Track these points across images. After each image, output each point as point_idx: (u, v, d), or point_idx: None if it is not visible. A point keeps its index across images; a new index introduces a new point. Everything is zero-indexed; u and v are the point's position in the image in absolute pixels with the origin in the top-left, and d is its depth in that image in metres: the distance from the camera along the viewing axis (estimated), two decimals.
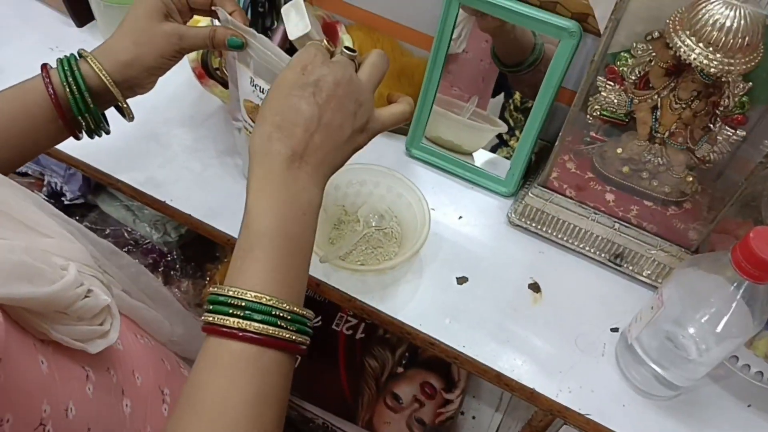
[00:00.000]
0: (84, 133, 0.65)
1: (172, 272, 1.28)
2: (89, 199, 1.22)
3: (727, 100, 0.66)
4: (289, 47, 0.88)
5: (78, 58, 0.62)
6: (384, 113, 0.58)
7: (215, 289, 0.46)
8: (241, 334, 0.44)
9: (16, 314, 0.41)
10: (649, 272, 0.78)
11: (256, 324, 0.44)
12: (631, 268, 0.78)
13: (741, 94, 0.65)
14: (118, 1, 0.92)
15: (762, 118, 0.67)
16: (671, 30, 0.62)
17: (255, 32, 0.64)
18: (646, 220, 0.77)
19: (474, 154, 0.92)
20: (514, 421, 1.09)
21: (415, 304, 0.74)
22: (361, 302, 0.74)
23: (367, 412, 1.10)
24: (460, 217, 0.84)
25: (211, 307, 0.45)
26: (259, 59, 0.64)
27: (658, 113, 0.70)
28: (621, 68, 0.69)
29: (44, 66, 0.61)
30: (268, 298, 0.45)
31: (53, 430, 0.42)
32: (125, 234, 1.25)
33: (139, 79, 0.63)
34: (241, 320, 0.44)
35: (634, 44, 0.67)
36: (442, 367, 1.13)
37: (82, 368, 0.48)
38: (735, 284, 0.57)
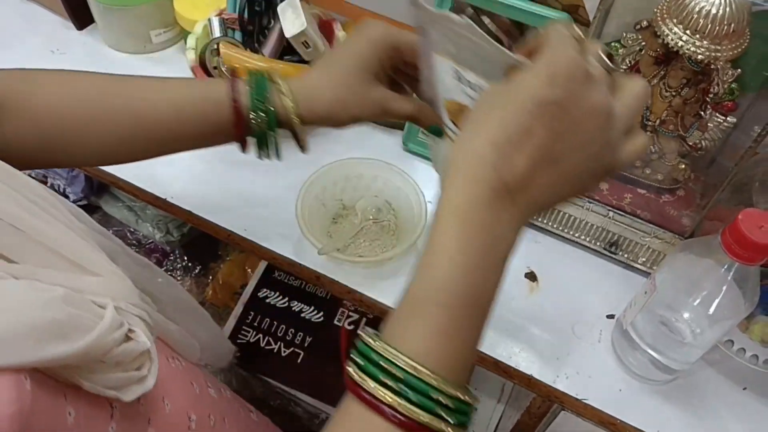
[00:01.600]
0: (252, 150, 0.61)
1: (174, 271, 1.29)
2: (92, 200, 1.24)
3: (716, 87, 0.67)
4: (286, 45, 0.89)
5: (270, 83, 0.56)
6: (625, 154, 0.41)
7: (368, 337, 0.38)
8: (390, 413, 0.35)
9: (45, 368, 0.38)
10: (644, 259, 0.78)
11: (410, 406, 0.35)
12: (626, 255, 0.79)
13: (730, 81, 0.66)
14: (117, 4, 0.93)
15: (752, 104, 0.68)
16: (659, 18, 0.63)
17: (462, 18, 0.45)
18: (639, 208, 0.78)
19: None
20: (515, 412, 1.09)
21: None
22: (360, 294, 0.75)
23: None
24: None
25: (360, 361, 0.37)
26: (468, 47, 0.47)
27: (649, 102, 0.71)
28: None
29: (231, 80, 0.57)
30: (430, 374, 0.36)
31: None
32: (128, 234, 1.27)
33: (328, 127, 0.60)
34: (393, 395, 0.35)
35: (624, 34, 0.68)
36: None
37: (109, 406, 0.45)
38: (725, 266, 0.58)
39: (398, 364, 0.36)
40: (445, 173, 0.39)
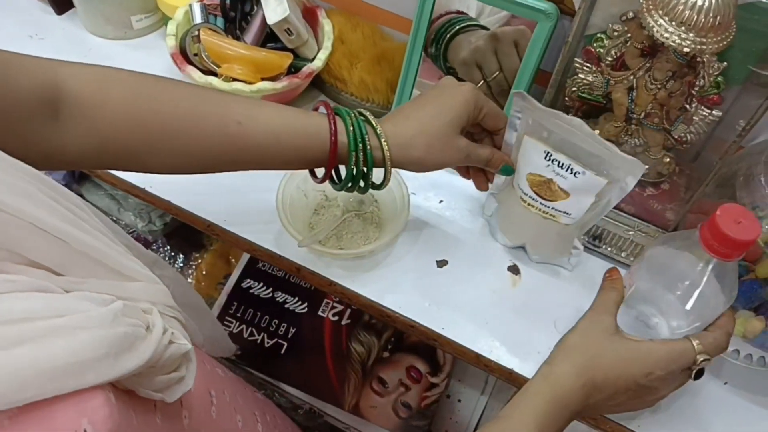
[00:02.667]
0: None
1: None
2: (74, 188, 1.22)
3: (702, 80, 0.66)
4: (269, 32, 0.88)
5: (367, 124, 0.62)
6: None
7: None
8: None
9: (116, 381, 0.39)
10: (626, 253, 0.78)
11: None
12: (609, 249, 0.79)
13: (716, 74, 0.66)
14: None
15: (737, 98, 0.68)
16: (645, 10, 0.62)
17: (563, 114, 0.64)
18: (623, 202, 0.77)
19: None
20: (499, 404, 1.10)
21: (396, 287, 0.75)
22: (341, 286, 0.75)
23: (353, 397, 1.10)
24: (441, 201, 0.84)
25: None
26: (564, 136, 0.66)
27: (634, 94, 0.70)
28: (597, 49, 0.69)
29: (332, 118, 0.61)
30: None
31: None
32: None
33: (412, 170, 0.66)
34: None
35: (610, 25, 0.68)
36: (427, 352, 1.14)
37: (152, 400, 0.46)
38: (704, 262, 0.57)
39: None
40: (561, 357, 0.59)
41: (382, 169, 0.64)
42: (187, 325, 0.65)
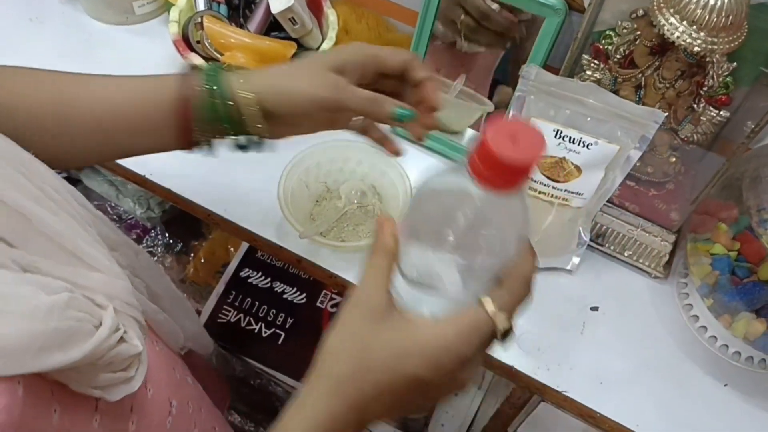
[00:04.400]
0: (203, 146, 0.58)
1: (156, 248, 1.27)
2: (72, 173, 1.21)
3: (711, 81, 0.66)
4: (273, 21, 0.87)
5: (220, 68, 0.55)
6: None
7: None
8: None
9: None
10: (630, 252, 0.78)
11: None
12: (612, 248, 0.78)
13: (725, 74, 0.65)
14: None
15: (746, 99, 0.67)
16: (655, 8, 0.61)
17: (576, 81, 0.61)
18: (628, 200, 0.77)
19: (461, 133, 0.92)
20: (495, 398, 1.09)
21: None
22: (342, 279, 0.74)
23: None
24: None
25: None
26: (572, 108, 0.64)
27: (642, 92, 0.70)
28: (606, 47, 0.69)
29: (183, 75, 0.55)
30: None
31: None
32: (108, 209, 1.24)
33: (284, 119, 0.55)
34: None
35: (619, 22, 0.67)
36: None
37: (94, 399, 0.45)
38: (478, 196, 0.40)
39: None
40: (313, 379, 0.44)
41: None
42: (166, 328, 0.64)
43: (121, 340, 0.44)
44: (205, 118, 0.54)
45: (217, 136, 0.56)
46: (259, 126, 0.55)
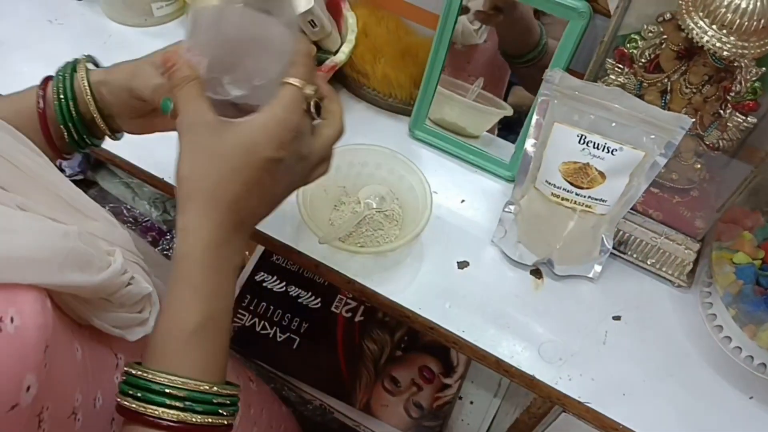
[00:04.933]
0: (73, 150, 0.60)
1: (170, 251, 1.27)
2: (89, 175, 1.22)
3: (738, 86, 0.64)
4: None
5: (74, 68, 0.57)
6: (312, 177, 0.54)
7: (142, 371, 0.42)
8: (179, 427, 0.41)
9: (60, 299, 0.40)
10: (653, 260, 0.76)
11: (197, 416, 0.42)
12: (635, 255, 0.77)
13: (753, 79, 0.63)
14: None
15: None
16: (684, 11, 0.60)
17: (601, 85, 0.63)
18: (651, 207, 0.76)
19: (478, 137, 0.91)
20: (512, 407, 1.08)
21: (415, 287, 0.73)
22: (360, 284, 0.73)
23: (364, 395, 1.09)
24: (463, 201, 0.82)
25: (138, 393, 0.42)
26: (597, 113, 0.65)
27: (668, 97, 0.68)
28: (631, 51, 0.67)
29: (46, 80, 0.57)
30: (209, 386, 0.43)
31: (83, 420, 0.41)
32: (124, 211, 1.25)
33: (115, 109, 0.57)
34: (179, 412, 0.41)
35: (645, 26, 0.66)
36: (441, 352, 1.13)
37: (114, 355, 0.47)
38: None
39: (182, 386, 0.42)
40: (183, 205, 0.46)
41: None
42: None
43: (130, 283, 0.46)
44: (58, 120, 0.55)
45: (71, 139, 0.57)
46: (98, 121, 0.57)
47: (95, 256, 0.42)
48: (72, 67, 0.57)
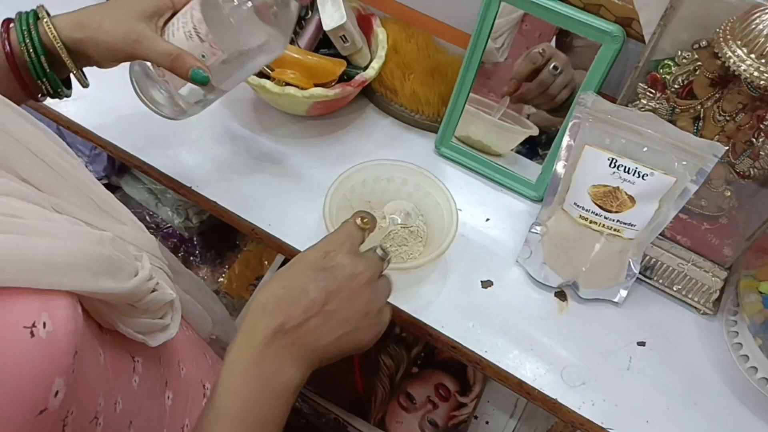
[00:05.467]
0: (45, 96, 0.62)
1: (191, 258, 1.28)
2: (113, 180, 1.23)
3: None
4: (323, 38, 0.87)
5: (36, 17, 0.58)
6: (385, 317, 0.54)
7: None
8: None
9: (89, 304, 0.40)
10: (679, 287, 0.76)
11: None
12: (660, 281, 0.76)
13: None
14: None
15: None
16: (721, 39, 0.60)
17: (634, 110, 0.66)
18: (679, 233, 0.75)
19: (503, 156, 0.91)
20: (528, 429, 1.07)
21: (438, 305, 0.73)
22: None
23: (379, 410, 1.09)
24: (488, 219, 0.82)
25: None
26: (628, 137, 0.66)
27: (700, 124, 0.68)
28: (664, 76, 0.67)
29: (5, 22, 0.59)
30: None
31: (104, 424, 0.41)
32: (147, 217, 1.25)
33: (94, 59, 0.61)
34: None
35: (679, 52, 0.66)
36: (457, 370, 1.12)
37: (131, 359, 0.48)
38: None
39: None
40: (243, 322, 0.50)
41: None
42: (194, 312, 0.67)
43: (155, 289, 0.47)
44: (27, 65, 0.58)
45: (42, 80, 0.59)
46: (68, 63, 0.59)
47: (125, 261, 0.43)
48: (34, 17, 0.58)
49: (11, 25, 0.58)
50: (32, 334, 0.33)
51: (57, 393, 0.34)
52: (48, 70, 0.59)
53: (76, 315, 0.36)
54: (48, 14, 0.59)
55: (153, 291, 0.46)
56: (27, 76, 0.59)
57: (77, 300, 0.37)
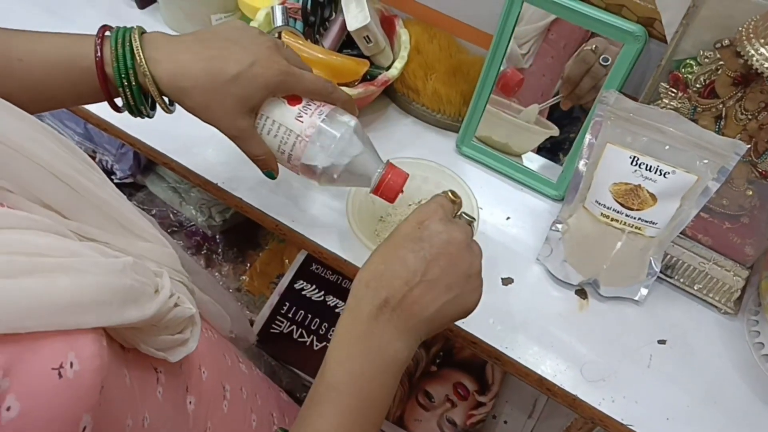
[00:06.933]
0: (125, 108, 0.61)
1: (214, 256, 1.30)
2: (138, 179, 1.25)
3: None
4: (347, 38, 0.88)
5: (133, 58, 0.56)
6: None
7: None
8: None
9: (111, 330, 0.40)
10: (700, 286, 0.76)
11: None
12: (681, 280, 0.77)
13: None
14: None
15: None
16: (744, 38, 0.60)
17: (656, 108, 0.67)
18: (700, 232, 0.76)
19: (523, 156, 0.91)
20: (547, 429, 1.07)
21: None
22: None
23: (398, 409, 1.10)
24: (508, 218, 0.83)
25: None
26: (650, 136, 0.66)
27: (722, 123, 0.68)
28: (686, 75, 0.68)
29: (101, 32, 0.57)
30: None
31: None
32: (171, 215, 1.27)
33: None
34: None
35: (701, 52, 0.66)
36: (476, 369, 1.12)
37: (154, 371, 0.48)
38: None
39: None
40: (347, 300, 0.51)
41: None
42: (213, 311, 0.67)
43: (176, 304, 0.47)
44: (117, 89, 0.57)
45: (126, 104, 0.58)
46: (157, 99, 0.58)
47: (147, 284, 0.42)
48: (131, 56, 0.56)
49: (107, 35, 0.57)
50: (60, 375, 0.33)
51: (84, 429, 0.34)
52: (136, 90, 0.57)
53: (101, 349, 0.37)
54: (144, 59, 0.55)
55: (175, 306, 0.46)
56: (114, 91, 0.58)
57: (102, 333, 0.37)
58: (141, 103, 0.58)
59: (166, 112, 0.61)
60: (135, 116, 0.61)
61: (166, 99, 0.59)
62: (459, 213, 0.57)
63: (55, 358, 0.33)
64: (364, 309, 0.48)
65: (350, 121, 0.62)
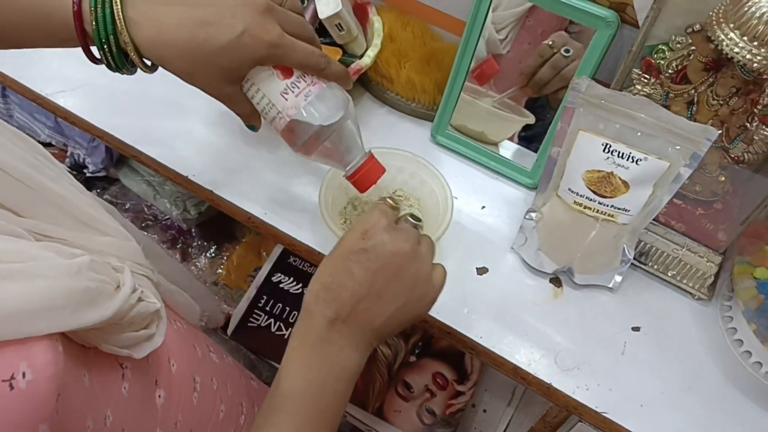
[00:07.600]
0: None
1: (189, 249, 1.28)
2: (111, 172, 1.23)
3: (766, 99, 0.64)
4: (319, 26, 0.87)
5: (114, 18, 0.51)
6: (437, 279, 0.55)
7: None
8: None
9: (69, 332, 0.39)
10: (674, 272, 0.76)
11: None
12: (655, 267, 0.77)
13: None
14: None
15: None
16: (714, 23, 0.60)
17: (628, 94, 0.66)
18: (674, 219, 0.76)
19: (499, 145, 0.91)
20: (525, 417, 1.08)
21: None
22: None
23: (377, 400, 1.09)
24: (483, 207, 0.82)
25: None
26: (622, 122, 0.66)
27: (694, 109, 0.68)
28: (658, 61, 0.67)
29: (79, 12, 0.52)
30: None
31: None
32: (145, 209, 1.26)
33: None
34: None
35: (673, 37, 0.66)
36: (455, 359, 1.12)
37: (120, 366, 0.47)
38: None
39: None
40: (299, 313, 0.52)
41: None
42: (180, 300, 0.67)
43: (139, 299, 0.46)
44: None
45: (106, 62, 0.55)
46: (137, 62, 0.55)
47: (106, 282, 0.41)
48: (111, 20, 0.52)
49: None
50: (11, 387, 0.32)
51: None
52: (116, 54, 0.53)
53: (56, 356, 0.36)
54: (125, 20, 0.51)
55: (139, 301, 0.46)
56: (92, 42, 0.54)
57: (57, 338, 0.36)
58: (122, 65, 0.55)
59: (147, 72, 0.58)
60: (114, 72, 0.57)
61: (147, 62, 0.55)
62: (404, 216, 0.57)
63: (5, 370, 0.32)
64: (316, 321, 0.50)
65: (338, 102, 0.60)
